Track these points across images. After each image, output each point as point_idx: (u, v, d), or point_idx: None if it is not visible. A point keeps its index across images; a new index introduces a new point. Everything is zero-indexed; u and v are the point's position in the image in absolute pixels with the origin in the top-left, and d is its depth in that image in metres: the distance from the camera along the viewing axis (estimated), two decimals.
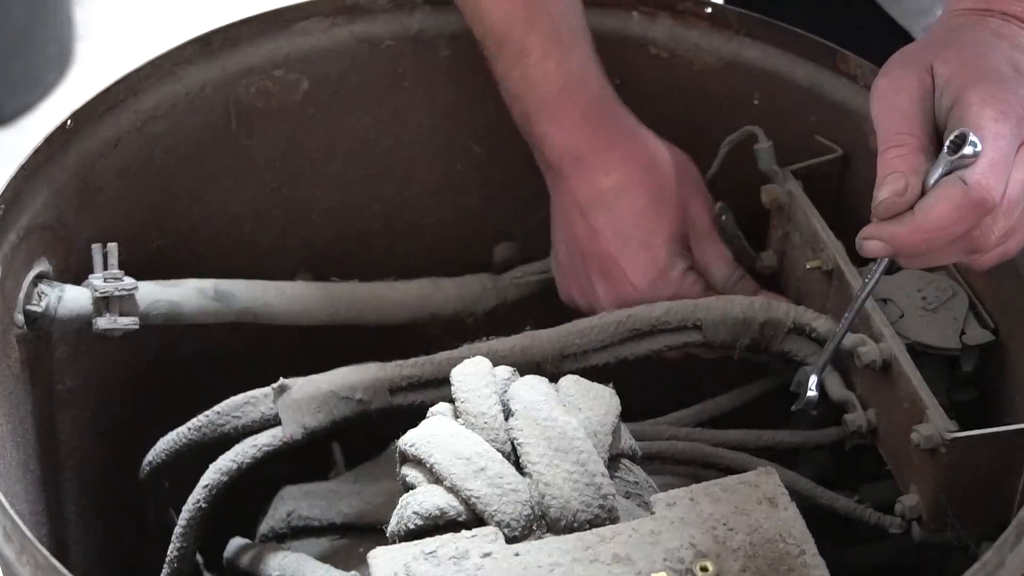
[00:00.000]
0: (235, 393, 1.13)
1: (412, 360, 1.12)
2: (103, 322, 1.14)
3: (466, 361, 1.06)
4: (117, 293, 1.14)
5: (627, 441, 1.06)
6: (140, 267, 1.25)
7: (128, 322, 1.15)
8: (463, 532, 0.97)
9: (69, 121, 1.18)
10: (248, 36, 1.26)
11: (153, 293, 1.16)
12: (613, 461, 1.04)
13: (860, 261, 1.16)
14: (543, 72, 1.18)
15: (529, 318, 1.20)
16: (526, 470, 1.00)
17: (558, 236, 1.25)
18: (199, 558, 1.20)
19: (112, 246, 1.16)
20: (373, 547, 0.98)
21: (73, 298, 1.14)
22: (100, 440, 1.27)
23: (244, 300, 1.18)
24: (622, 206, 1.20)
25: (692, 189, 1.22)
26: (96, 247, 1.16)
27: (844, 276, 1.13)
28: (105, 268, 1.15)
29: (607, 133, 1.21)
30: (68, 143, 1.19)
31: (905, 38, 1.39)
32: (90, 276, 1.15)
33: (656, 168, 1.21)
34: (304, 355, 1.19)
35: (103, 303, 1.14)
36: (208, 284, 1.18)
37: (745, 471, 1.03)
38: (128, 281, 1.15)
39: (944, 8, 1.05)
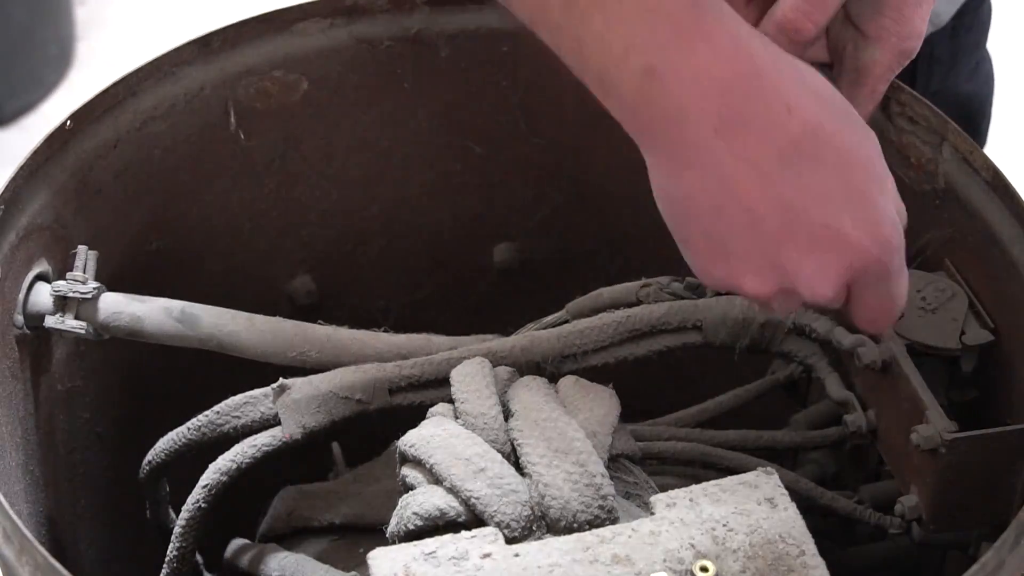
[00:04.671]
0: (235, 393, 1.13)
1: (412, 360, 1.12)
2: (51, 320, 1.14)
3: (466, 362, 1.06)
4: (72, 295, 1.14)
5: (627, 441, 1.06)
6: (139, 268, 1.25)
7: (77, 325, 1.15)
8: (463, 533, 0.97)
9: (68, 122, 1.18)
10: (247, 37, 1.26)
11: (116, 304, 1.16)
12: (613, 462, 1.04)
13: None
14: None
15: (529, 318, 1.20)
16: (526, 471, 1.00)
17: (706, 219, 0.90)
18: (199, 558, 1.20)
19: (92, 253, 1.16)
20: (373, 547, 0.98)
21: (38, 293, 1.15)
22: (100, 440, 1.27)
23: (209, 326, 1.16)
24: (825, 156, 0.89)
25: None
26: (81, 249, 1.16)
27: None
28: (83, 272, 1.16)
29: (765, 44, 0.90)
30: (67, 144, 1.19)
31: None
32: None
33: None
34: None
35: (61, 302, 1.14)
36: (176, 305, 1.17)
37: (745, 471, 1.03)
38: (89, 286, 1.15)
39: None
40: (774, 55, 0.89)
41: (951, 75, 1.45)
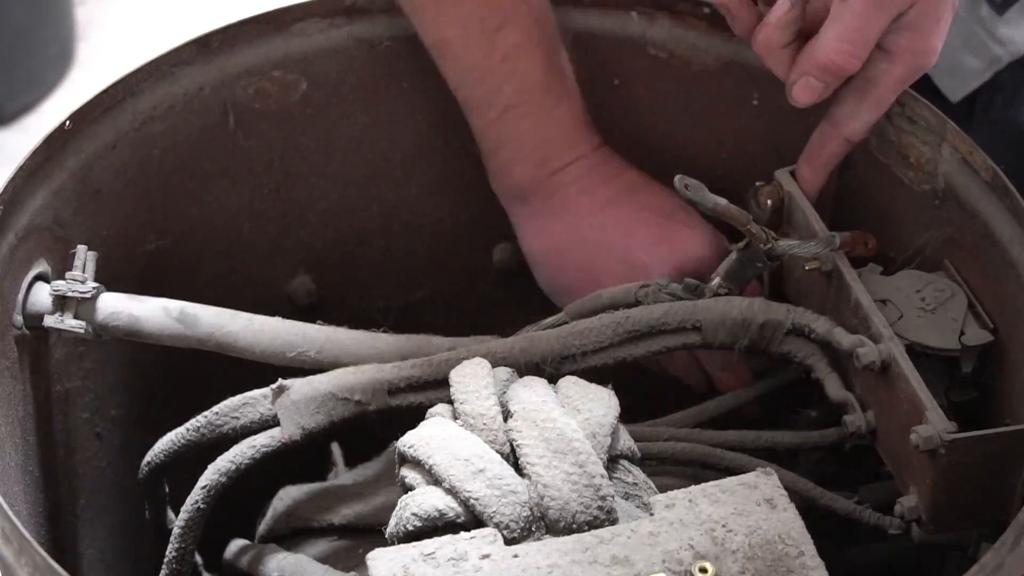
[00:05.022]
0: (234, 394, 1.13)
1: (411, 361, 1.12)
2: (51, 320, 1.14)
3: (465, 362, 1.06)
4: (71, 294, 1.14)
5: (626, 442, 1.05)
6: (139, 268, 1.25)
7: (76, 325, 1.15)
8: (462, 533, 0.97)
9: (68, 122, 1.18)
10: (246, 37, 1.26)
11: (115, 304, 1.16)
12: (612, 462, 1.04)
13: (859, 262, 1.17)
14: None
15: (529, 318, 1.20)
16: (525, 471, 1.00)
17: (565, 245, 1.27)
18: (198, 558, 1.20)
19: (91, 253, 1.16)
20: (372, 548, 0.98)
21: (37, 293, 1.15)
22: (99, 440, 1.27)
23: (208, 326, 1.16)
24: (656, 188, 1.26)
25: None
26: (80, 249, 1.16)
27: (843, 277, 1.13)
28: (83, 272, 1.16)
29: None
30: (66, 144, 1.19)
31: None
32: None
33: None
34: None
35: (60, 302, 1.14)
36: (175, 305, 1.17)
37: (744, 472, 1.03)
38: (89, 286, 1.15)
39: None
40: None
41: (1013, 105, 1.44)
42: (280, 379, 1.11)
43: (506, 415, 1.03)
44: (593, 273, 1.23)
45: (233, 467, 1.11)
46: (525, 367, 1.11)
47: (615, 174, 1.26)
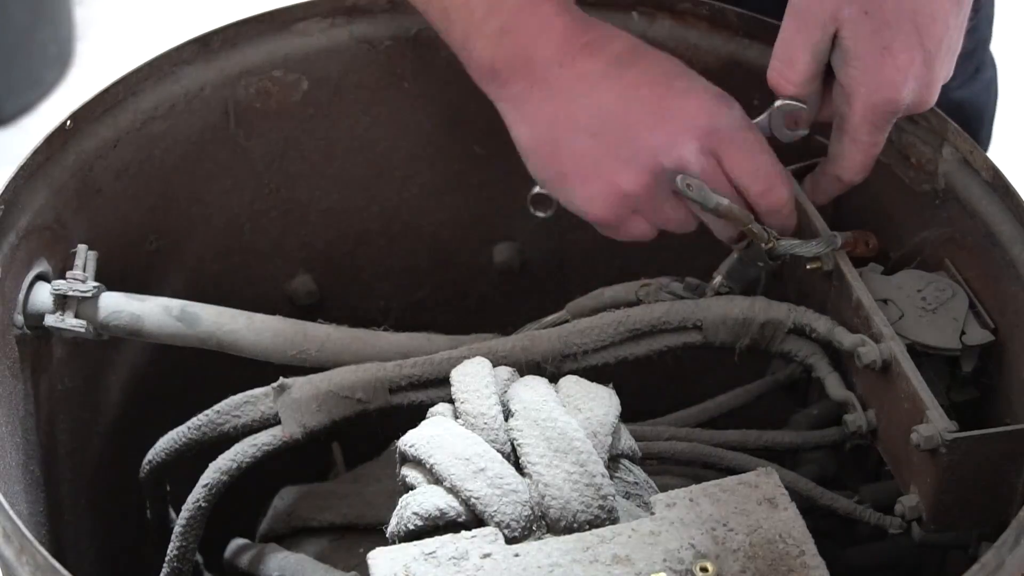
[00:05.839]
0: (235, 392, 1.13)
1: (412, 360, 1.12)
2: (52, 319, 1.14)
3: (466, 361, 1.06)
4: (72, 293, 1.14)
5: (627, 441, 1.06)
6: (139, 268, 1.25)
7: (77, 324, 1.15)
8: (463, 533, 0.97)
9: (68, 122, 1.18)
10: (247, 37, 1.26)
11: (115, 303, 1.16)
12: (613, 461, 1.04)
13: (860, 261, 1.17)
14: None
15: (529, 317, 1.20)
16: (526, 471, 1.00)
17: (563, 136, 1.13)
18: (199, 558, 1.21)
19: (92, 252, 1.16)
20: (373, 547, 0.98)
21: (38, 292, 1.15)
22: (100, 440, 1.27)
23: (208, 325, 1.16)
24: (650, 56, 1.13)
25: None
26: (81, 248, 1.16)
27: (844, 277, 1.13)
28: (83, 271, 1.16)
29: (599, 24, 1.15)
30: (67, 144, 1.19)
31: None
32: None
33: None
34: None
35: (61, 301, 1.14)
36: (175, 303, 1.17)
37: (745, 471, 1.03)
38: (89, 285, 1.15)
39: None
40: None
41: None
42: (281, 377, 1.11)
43: (507, 414, 1.03)
44: (592, 160, 1.12)
45: (234, 465, 1.11)
46: (526, 366, 1.11)
47: (600, 44, 1.12)
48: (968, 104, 1.47)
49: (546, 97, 1.12)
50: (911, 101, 1.10)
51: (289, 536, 1.21)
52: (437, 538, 0.97)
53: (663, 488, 1.03)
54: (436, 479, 0.99)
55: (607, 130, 1.11)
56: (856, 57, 1.08)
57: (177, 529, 1.14)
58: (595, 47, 1.12)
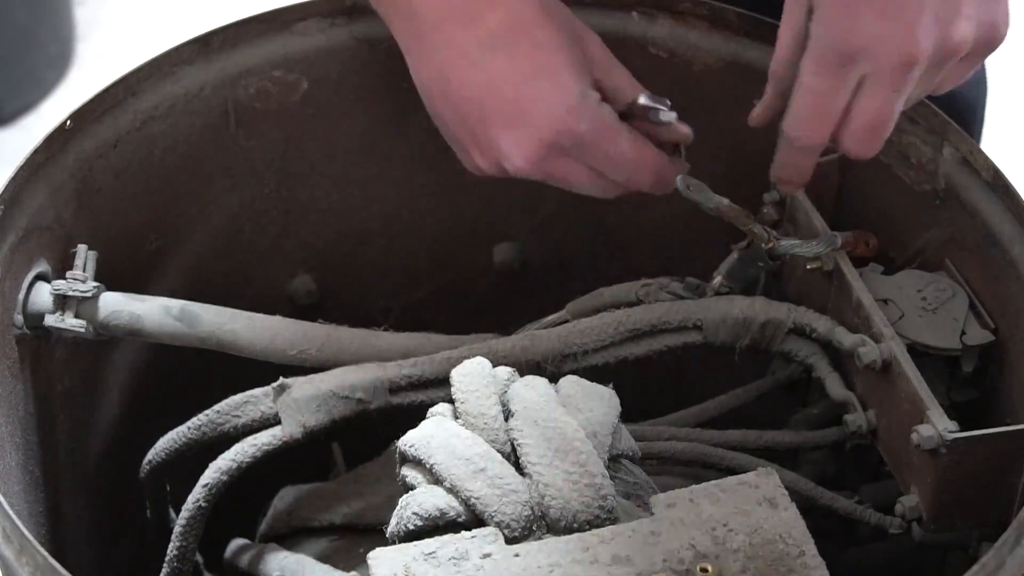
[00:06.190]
0: (235, 393, 1.13)
1: (412, 360, 1.12)
2: (51, 319, 1.14)
3: (466, 361, 1.06)
4: (71, 293, 1.14)
5: (627, 441, 1.06)
6: (139, 268, 1.25)
7: (77, 324, 1.15)
8: (463, 533, 0.97)
9: (68, 122, 1.18)
10: (247, 36, 1.26)
11: (115, 303, 1.16)
12: (613, 462, 1.04)
13: (860, 261, 1.17)
14: None
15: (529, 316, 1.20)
16: (526, 471, 1.00)
17: (438, 104, 1.13)
18: (199, 558, 1.21)
19: (91, 252, 1.16)
20: (373, 548, 0.98)
21: (38, 292, 1.15)
22: (100, 440, 1.27)
23: (209, 325, 1.16)
24: (520, 42, 1.08)
25: (580, 24, 1.14)
26: (81, 248, 1.16)
27: (844, 276, 1.13)
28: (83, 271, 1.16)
29: None
30: (67, 144, 1.19)
31: None
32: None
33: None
34: None
35: (61, 301, 1.14)
36: (175, 303, 1.17)
37: (745, 471, 1.03)
38: (89, 285, 1.15)
39: None
40: None
41: None
42: (281, 377, 1.11)
43: (507, 414, 1.03)
44: (462, 135, 1.12)
45: (234, 465, 1.11)
46: (526, 366, 1.11)
47: (479, 11, 1.08)
48: (959, 98, 1.47)
49: (424, 54, 1.12)
50: (931, 49, 1.03)
51: (289, 536, 1.21)
52: (437, 538, 0.97)
53: (663, 488, 1.03)
54: (436, 479, 0.99)
55: (468, 116, 1.11)
56: (819, 6, 1.04)
57: (177, 529, 1.14)
58: (473, 15, 1.08)
